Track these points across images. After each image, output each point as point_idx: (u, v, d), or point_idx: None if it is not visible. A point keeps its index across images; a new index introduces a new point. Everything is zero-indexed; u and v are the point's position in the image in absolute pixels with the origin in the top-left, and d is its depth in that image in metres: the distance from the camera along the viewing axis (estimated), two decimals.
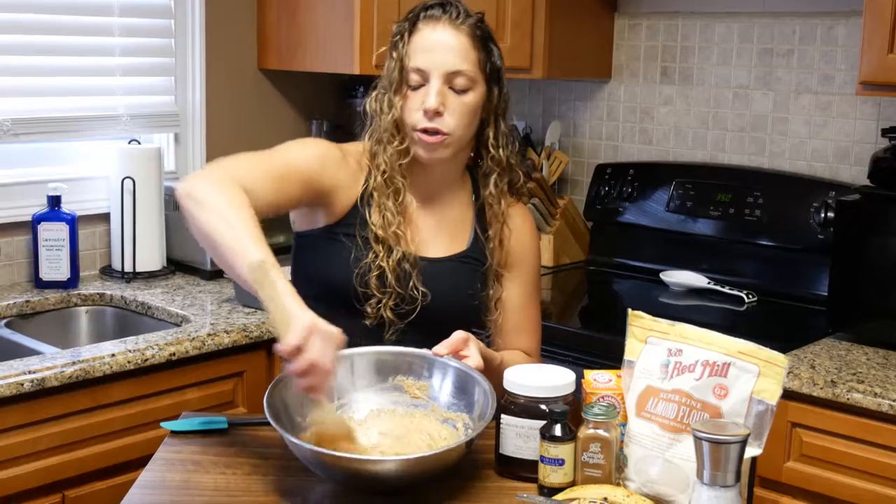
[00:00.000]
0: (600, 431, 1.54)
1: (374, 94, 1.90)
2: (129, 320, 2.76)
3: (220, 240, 1.63)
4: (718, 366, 1.50)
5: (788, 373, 2.20)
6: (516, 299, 1.98)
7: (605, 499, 1.49)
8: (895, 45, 2.37)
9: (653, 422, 1.54)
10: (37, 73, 2.84)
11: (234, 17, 3.19)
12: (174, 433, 1.76)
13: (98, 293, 2.81)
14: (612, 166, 3.23)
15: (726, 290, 2.86)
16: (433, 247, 1.93)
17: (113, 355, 2.28)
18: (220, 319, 2.56)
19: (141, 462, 1.69)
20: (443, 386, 1.71)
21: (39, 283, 2.79)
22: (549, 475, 1.56)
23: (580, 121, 3.38)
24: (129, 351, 2.31)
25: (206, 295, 2.80)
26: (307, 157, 1.85)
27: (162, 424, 1.79)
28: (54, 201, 2.78)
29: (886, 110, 2.78)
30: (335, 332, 1.53)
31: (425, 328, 1.82)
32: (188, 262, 2.99)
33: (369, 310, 1.84)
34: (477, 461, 1.68)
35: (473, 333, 1.91)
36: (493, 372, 1.79)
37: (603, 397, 1.63)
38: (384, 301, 1.84)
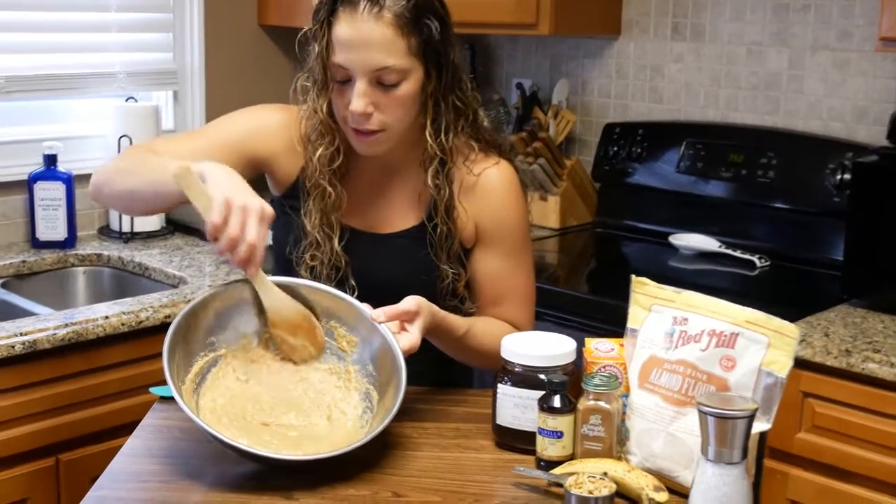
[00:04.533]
0: (601, 403, 1.48)
1: (300, 77, 1.77)
2: (126, 281, 2.71)
3: (137, 185, 1.62)
4: (726, 336, 1.44)
5: (801, 341, 2.13)
6: (495, 271, 1.82)
7: (606, 473, 1.43)
8: None
9: (656, 394, 1.47)
10: (31, 29, 2.78)
11: None
12: (164, 399, 1.71)
13: (96, 253, 2.76)
14: (620, 126, 3.14)
15: (737, 254, 2.79)
16: (382, 221, 1.82)
17: (107, 317, 2.23)
18: (217, 280, 2.51)
19: (135, 426, 1.64)
20: (369, 352, 1.62)
21: (36, 244, 2.74)
22: (548, 448, 1.50)
23: (588, 79, 3.29)
24: (124, 313, 2.26)
25: (204, 256, 2.74)
26: (235, 128, 1.80)
27: (150, 390, 1.73)
28: (50, 160, 2.72)
29: None
30: (257, 203, 1.48)
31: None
32: (187, 222, 2.93)
33: None
34: (473, 431, 1.63)
35: (448, 302, 1.80)
36: (454, 343, 1.72)
37: (604, 367, 1.56)
38: None
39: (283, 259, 1.82)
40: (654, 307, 1.52)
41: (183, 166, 1.51)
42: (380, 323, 1.60)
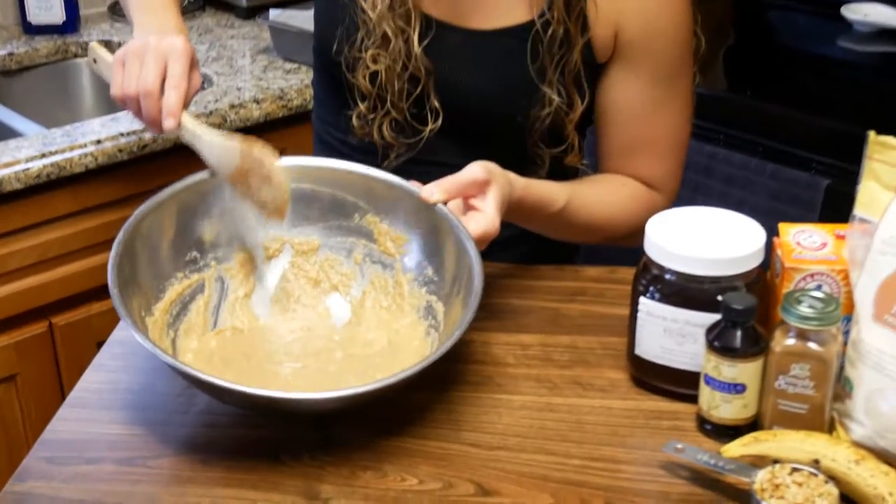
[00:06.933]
0: (810, 344, 0.92)
1: None
2: None
3: None
4: None
5: None
6: (635, 104, 1.23)
7: (818, 462, 0.89)
8: None
9: None
10: None
11: None
12: None
13: (103, 40, 2.18)
14: None
15: None
16: (478, 9, 1.20)
17: (99, 142, 1.69)
18: (249, 81, 1.94)
19: None
20: (425, 250, 1.08)
21: (29, 29, 2.18)
22: (720, 406, 0.96)
23: None
24: (122, 135, 1.71)
25: (238, 42, 2.16)
26: None
27: None
28: None
29: None
30: (164, 41, 1.08)
31: (452, 143, 1.18)
32: None
33: (356, 121, 1.22)
34: (595, 350, 1.10)
35: (542, 150, 1.24)
36: (546, 222, 1.18)
37: (812, 276, 0.99)
38: (377, 117, 1.21)
39: (327, 62, 1.25)
40: None
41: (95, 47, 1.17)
42: (435, 204, 1.04)
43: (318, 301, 1.09)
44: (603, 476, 0.93)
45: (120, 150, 1.70)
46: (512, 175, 1.10)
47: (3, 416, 1.70)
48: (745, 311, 0.93)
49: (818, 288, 0.97)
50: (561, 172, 1.25)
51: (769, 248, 1.02)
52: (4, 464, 1.69)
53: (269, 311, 1.08)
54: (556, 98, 1.19)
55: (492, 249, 1.05)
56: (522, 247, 1.26)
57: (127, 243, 0.98)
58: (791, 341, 0.92)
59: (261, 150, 1.04)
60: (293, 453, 0.94)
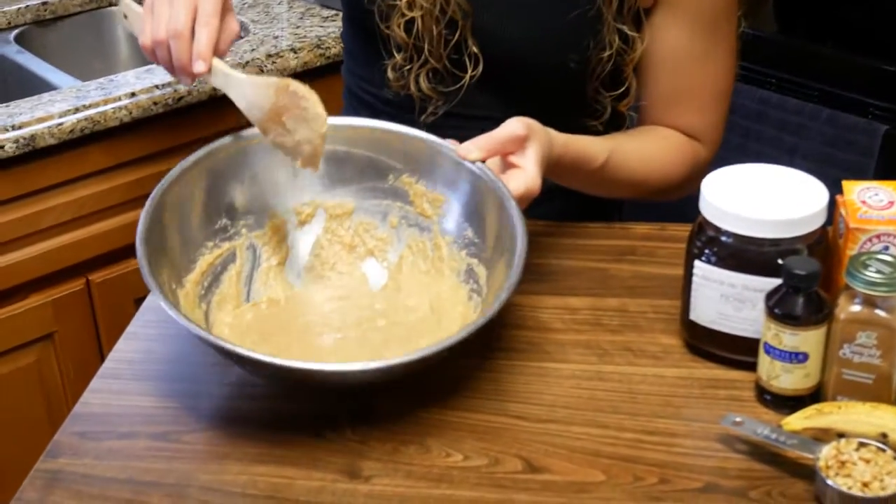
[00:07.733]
0: (878, 311, 0.86)
1: None
2: None
3: None
4: None
5: None
6: (676, 51, 1.16)
7: (885, 436, 0.84)
8: None
9: None
10: None
11: None
12: None
13: None
14: None
15: None
16: None
17: (133, 94, 1.65)
18: (287, 30, 1.89)
19: None
20: (465, 211, 1.02)
21: None
22: (780, 376, 0.91)
23: None
24: (157, 87, 1.67)
25: None
26: None
27: None
28: None
29: None
30: None
31: (494, 94, 1.12)
32: None
33: (391, 73, 1.16)
34: (646, 313, 1.05)
35: (601, 97, 1.18)
36: (586, 179, 1.12)
37: (880, 236, 0.93)
38: (414, 67, 1.14)
39: (359, 12, 1.19)
40: None
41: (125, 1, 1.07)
42: (474, 162, 0.99)
43: (354, 267, 1.05)
44: (657, 451, 0.88)
45: (155, 104, 1.66)
46: (552, 131, 1.05)
47: (42, 374, 1.69)
48: (808, 277, 0.88)
49: (885, 250, 0.92)
50: (618, 120, 1.20)
51: (832, 206, 0.96)
52: (44, 421, 1.68)
53: (303, 279, 1.04)
54: (616, 39, 1.13)
55: (533, 203, 1.01)
56: (565, 199, 1.21)
57: (154, 214, 0.94)
58: (857, 308, 0.87)
59: (297, 85, 0.97)
60: (333, 427, 0.90)
